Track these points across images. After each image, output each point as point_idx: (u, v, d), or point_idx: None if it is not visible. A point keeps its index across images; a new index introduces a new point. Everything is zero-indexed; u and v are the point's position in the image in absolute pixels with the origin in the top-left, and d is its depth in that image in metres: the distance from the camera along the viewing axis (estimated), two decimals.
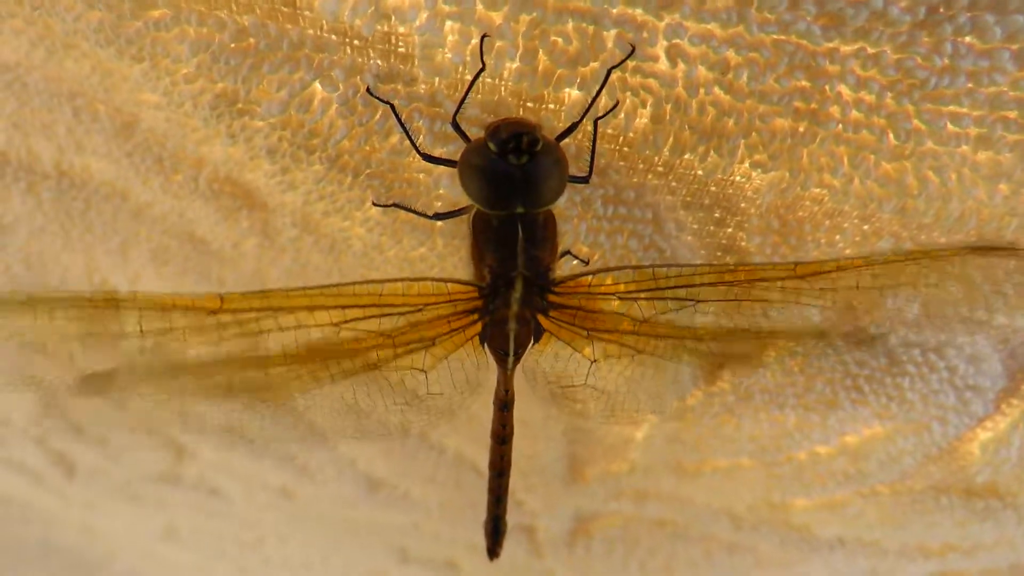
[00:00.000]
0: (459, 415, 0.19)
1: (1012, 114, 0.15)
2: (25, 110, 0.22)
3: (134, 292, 0.14)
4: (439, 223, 0.19)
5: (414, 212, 0.18)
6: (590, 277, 0.16)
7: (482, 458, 0.32)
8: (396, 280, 0.15)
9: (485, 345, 0.18)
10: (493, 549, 0.22)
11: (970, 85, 0.15)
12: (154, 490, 0.39)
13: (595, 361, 0.18)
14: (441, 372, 0.17)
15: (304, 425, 0.27)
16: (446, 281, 0.16)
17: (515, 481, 0.23)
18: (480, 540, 0.38)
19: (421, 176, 0.18)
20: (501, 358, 0.18)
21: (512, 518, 0.23)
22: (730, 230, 0.19)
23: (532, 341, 0.18)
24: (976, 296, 0.19)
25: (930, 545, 0.29)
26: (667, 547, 0.33)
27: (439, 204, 0.19)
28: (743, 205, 0.19)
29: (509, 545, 0.39)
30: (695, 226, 0.19)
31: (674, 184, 0.18)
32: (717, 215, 0.19)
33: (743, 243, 0.19)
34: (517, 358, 0.18)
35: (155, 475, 0.38)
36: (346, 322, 0.15)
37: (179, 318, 0.14)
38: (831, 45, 0.14)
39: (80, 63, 0.20)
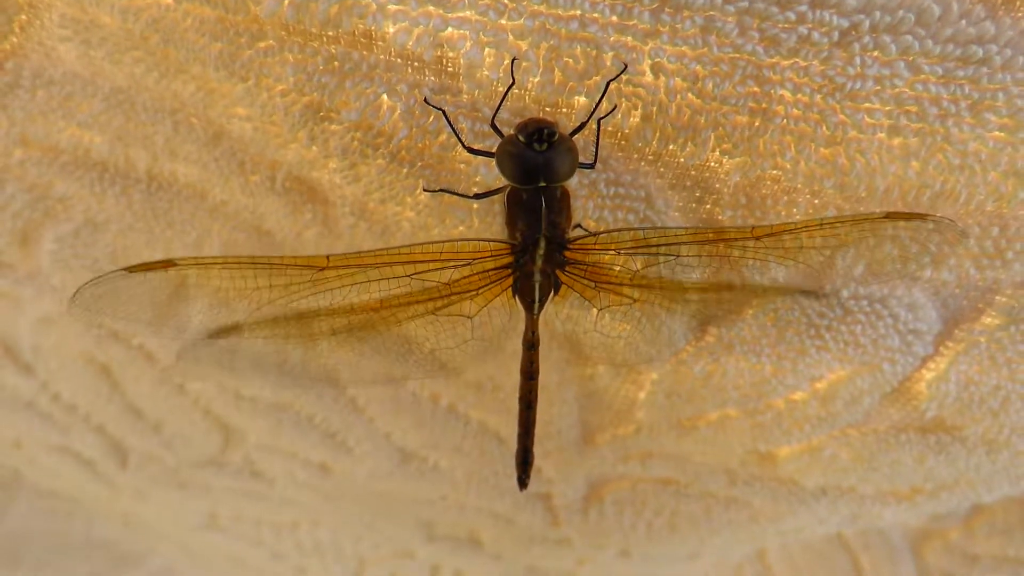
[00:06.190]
0: (490, 359, 0.24)
1: (912, 108, 0.20)
2: (130, 124, 0.27)
3: (265, 255, 0.19)
4: (476, 205, 0.24)
5: (457, 195, 0.23)
6: (595, 237, 0.21)
7: (503, 427, 0.36)
8: (451, 240, 0.20)
9: (516, 297, 0.23)
10: (523, 479, 0.25)
11: (877, 88, 0.20)
12: (201, 476, 0.40)
13: (601, 309, 0.23)
14: (482, 318, 0.22)
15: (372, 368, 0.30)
16: (488, 240, 0.21)
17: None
18: (501, 509, 0.42)
19: (462, 166, 0.23)
20: (529, 305, 0.23)
21: (530, 486, 0.26)
22: (708, 207, 0.24)
23: (552, 292, 0.23)
24: (908, 255, 0.23)
25: (900, 489, 0.33)
26: (670, 506, 0.37)
27: (476, 188, 0.23)
28: (717, 186, 0.23)
29: (526, 515, 0.42)
30: (680, 204, 0.24)
31: (662, 169, 0.23)
32: (697, 194, 0.24)
33: (720, 217, 0.24)
34: (541, 305, 0.23)
35: (203, 460, 0.39)
36: (417, 273, 0.20)
37: (296, 274, 0.19)
38: (772, 60, 0.19)
39: (187, 84, 0.25)
